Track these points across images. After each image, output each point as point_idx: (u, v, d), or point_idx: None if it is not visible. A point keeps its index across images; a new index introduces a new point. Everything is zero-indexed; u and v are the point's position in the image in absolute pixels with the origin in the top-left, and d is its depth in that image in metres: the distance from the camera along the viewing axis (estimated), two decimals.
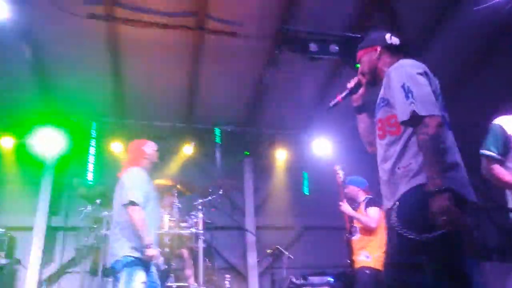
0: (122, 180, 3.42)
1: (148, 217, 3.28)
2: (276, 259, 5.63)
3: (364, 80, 2.25)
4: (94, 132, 6.12)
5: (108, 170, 6.13)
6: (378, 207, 4.18)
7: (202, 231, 4.86)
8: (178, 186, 5.10)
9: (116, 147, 6.27)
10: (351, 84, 2.31)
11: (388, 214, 1.91)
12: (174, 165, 6.25)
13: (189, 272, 4.85)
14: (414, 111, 1.77)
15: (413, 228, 1.70)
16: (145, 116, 6.47)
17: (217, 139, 6.59)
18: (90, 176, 5.73)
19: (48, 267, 5.95)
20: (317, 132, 6.78)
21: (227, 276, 4.93)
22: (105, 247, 4.85)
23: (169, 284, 4.75)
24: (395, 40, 2.20)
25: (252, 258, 6.52)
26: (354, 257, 4.15)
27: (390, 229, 1.86)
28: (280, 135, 6.88)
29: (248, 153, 6.95)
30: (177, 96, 6.34)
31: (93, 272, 5.06)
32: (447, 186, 1.64)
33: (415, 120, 1.77)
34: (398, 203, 1.83)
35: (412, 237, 1.69)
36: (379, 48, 2.17)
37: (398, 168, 1.87)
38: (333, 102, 2.32)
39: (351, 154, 5.42)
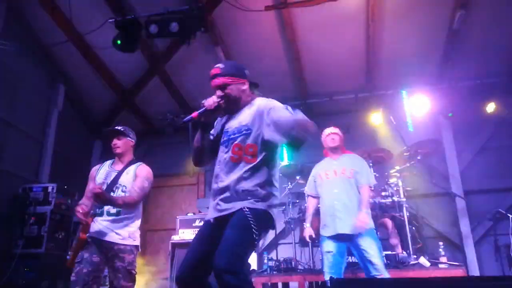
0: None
1: None
2: (497, 224, 4.97)
3: (224, 105, 2.32)
4: None
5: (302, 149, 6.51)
6: None
7: (404, 199, 4.72)
8: (372, 155, 5.04)
9: None
10: (210, 105, 2.28)
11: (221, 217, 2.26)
12: (364, 135, 6.17)
13: (395, 241, 4.73)
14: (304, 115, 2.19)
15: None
16: (327, 93, 6.57)
17: (405, 103, 6.19)
18: (286, 156, 6.16)
19: (265, 238, 6.69)
20: None
21: (441, 243, 4.60)
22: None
23: None
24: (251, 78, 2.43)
25: (465, 226, 5.91)
26: None
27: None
28: (482, 87, 5.94)
29: (451, 114, 6.22)
30: (356, 65, 6.22)
31: (303, 242, 5.43)
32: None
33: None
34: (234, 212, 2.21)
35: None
36: (247, 82, 2.38)
37: (246, 189, 2.24)
38: (187, 118, 2.30)
39: None
